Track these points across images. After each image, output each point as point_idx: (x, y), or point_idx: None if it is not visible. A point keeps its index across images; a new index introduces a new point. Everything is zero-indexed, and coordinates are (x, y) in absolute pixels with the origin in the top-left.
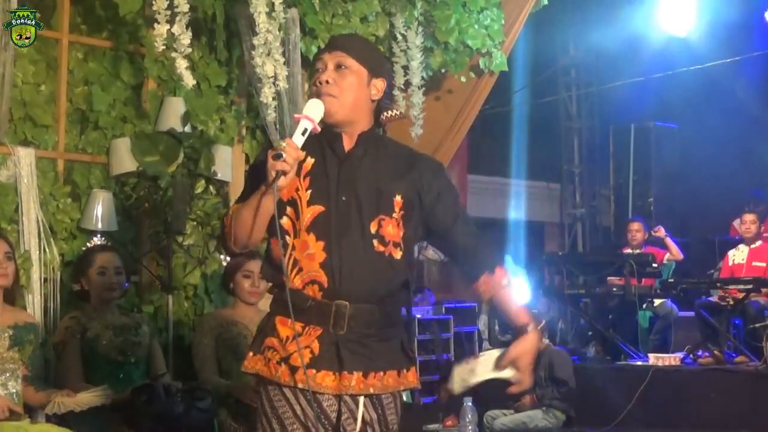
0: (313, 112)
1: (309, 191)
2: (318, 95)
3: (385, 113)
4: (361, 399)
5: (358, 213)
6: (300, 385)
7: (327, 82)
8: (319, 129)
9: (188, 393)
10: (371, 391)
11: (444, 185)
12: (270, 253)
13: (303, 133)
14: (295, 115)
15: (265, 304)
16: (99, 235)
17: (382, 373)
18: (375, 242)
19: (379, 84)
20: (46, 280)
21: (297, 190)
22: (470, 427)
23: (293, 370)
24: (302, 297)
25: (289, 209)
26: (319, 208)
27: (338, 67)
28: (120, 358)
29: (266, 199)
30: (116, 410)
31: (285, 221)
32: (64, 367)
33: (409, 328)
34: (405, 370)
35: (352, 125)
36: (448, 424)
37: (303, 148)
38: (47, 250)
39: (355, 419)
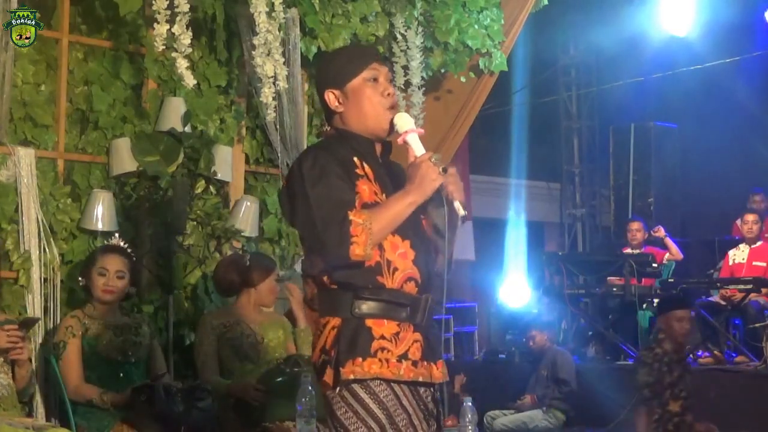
0: (410, 125)
1: (384, 195)
2: (391, 107)
3: None
4: (443, 386)
5: (414, 213)
6: (421, 378)
7: (394, 95)
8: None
9: (188, 393)
10: (445, 378)
11: None
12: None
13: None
14: (408, 129)
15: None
16: (115, 236)
17: (443, 361)
18: (428, 237)
19: None
20: (46, 280)
21: (376, 194)
22: (470, 427)
23: (414, 364)
24: (401, 295)
25: (356, 214)
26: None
27: (390, 81)
28: (120, 358)
29: (412, 208)
30: (116, 410)
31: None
32: (65, 366)
33: None
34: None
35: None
36: (448, 424)
37: (353, 153)
38: (47, 250)
39: (443, 405)
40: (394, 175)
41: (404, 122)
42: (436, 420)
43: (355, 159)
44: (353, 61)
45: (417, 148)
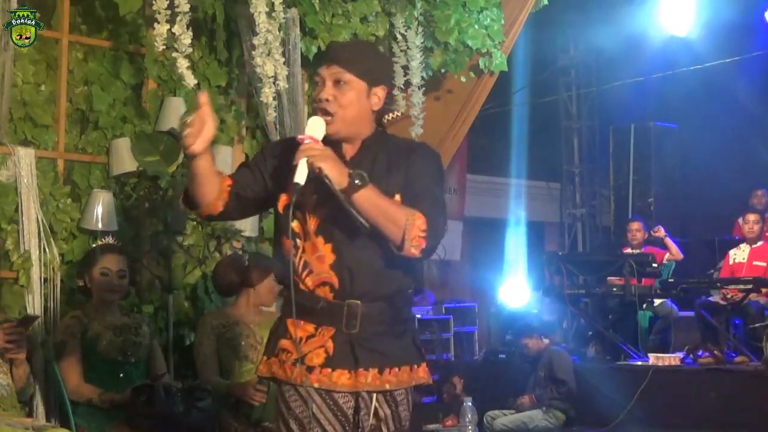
0: (316, 132)
1: (315, 196)
2: (317, 112)
3: (386, 116)
4: (374, 396)
5: (342, 215)
6: (316, 385)
7: (327, 100)
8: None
9: (188, 393)
10: (387, 387)
11: (425, 170)
12: (281, 255)
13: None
14: (300, 136)
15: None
16: (110, 235)
17: (396, 369)
18: (382, 241)
19: (380, 92)
20: (46, 280)
21: (303, 194)
22: (470, 427)
23: (309, 370)
24: (314, 298)
25: (298, 213)
26: (324, 212)
27: (337, 82)
28: (120, 358)
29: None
30: (116, 410)
31: (295, 225)
32: (65, 366)
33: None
34: (416, 366)
35: (354, 137)
36: (448, 424)
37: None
38: (47, 250)
39: (370, 415)
40: (374, 166)
41: (309, 127)
42: (360, 429)
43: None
44: (315, 67)
45: (298, 172)
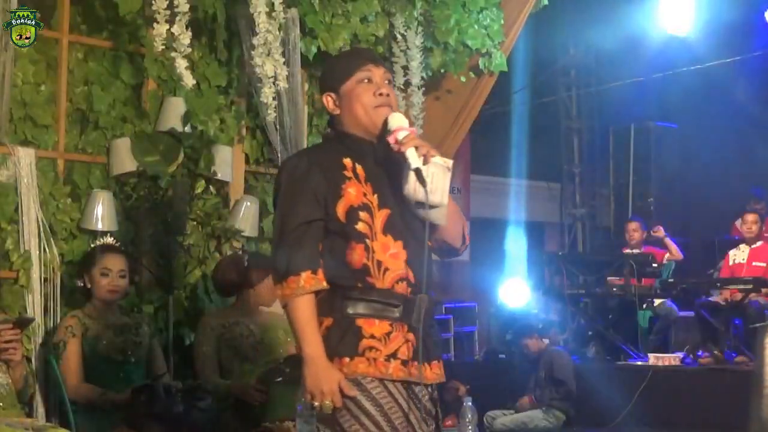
0: (404, 124)
1: (376, 195)
2: (383, 107)
3: None
4: (434, 387)
5: (410, 211)
6: (411, 378)
7: (388, 95)
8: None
9: (188, 393)
10: (440, 379)
11: None
12: (344, 258)
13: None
14: (395, 127)
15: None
16: (109, 235)
17: (440, 362)
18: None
19: None
20: (46, 280)
21: (365, 195)
22: (470, 427)
23: (404, 364)
24: (393, 295)
25: (363, 214)
26: (387, 211)
27: (388, 82)
28: (120, 357)
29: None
30: (116, 410)
31: (362, 226)
32: (65, 366)
33: None
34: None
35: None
36: (448, 424)
37: (346, 154)
38: (47, 250)
39: (437, 406)
40: (394, 173)
41: (395, 121)
42: (435, 420)
43: (347, 160)
44: (347, 64)
45: (412, 161)
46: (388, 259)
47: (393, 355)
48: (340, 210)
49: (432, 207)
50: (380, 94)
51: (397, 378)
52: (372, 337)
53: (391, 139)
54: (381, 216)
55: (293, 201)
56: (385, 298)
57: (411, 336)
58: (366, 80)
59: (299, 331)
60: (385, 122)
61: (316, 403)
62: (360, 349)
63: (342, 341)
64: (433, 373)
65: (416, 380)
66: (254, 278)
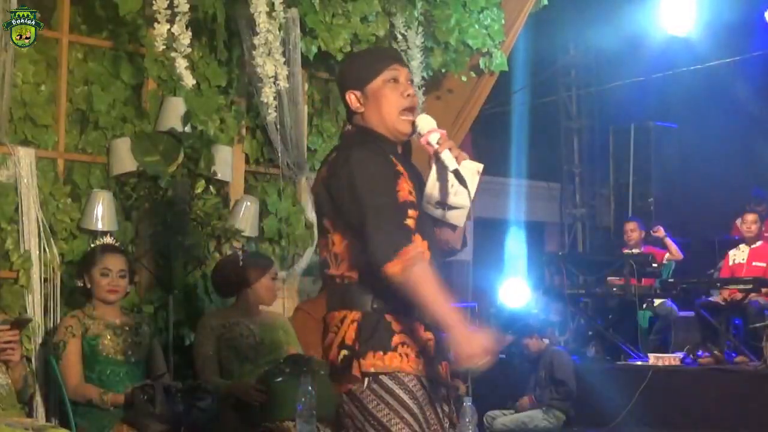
0: (433, 125)
1: (413, 194)
2: (410, 108)
3: None
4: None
5: (428, 216)
6: (435, 376)
7: (414, 96)
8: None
9: (188, 393)
10: (449, 379)
11: None
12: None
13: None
14: (428, 129)
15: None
16: (109, 234)
17: (447, 363)
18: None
19: None
20: (46, 280)
21: (411, 193)
22: (470, 427)
23: (429, 361)
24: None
25: (411, 211)
26: (417, 212)
27: (411, 82)
28: (120, 357)
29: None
30: (117, 410)
31: (410, 222)
32: (65, 366)
33: None
34: None
35: None
36: None
37: (388, 151)
38: (47, 250)
39: (451, 407)
40: (415, 174)
41: (426, 123)
42: (449, 419)
43: (391, 156)
44: (374, 63)
45: (449, 162)
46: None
47: (422, 352)
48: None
49: (454, 208)
50: (408, 95)
51: (426, 375)
52: (402, 332)
53: (422, 141)
54: (416, 215)
55: (377, 184)
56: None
57: (430, 335)
58: (393, 80)
59: (431, 300)
60: (413, 124)
61: (469, 367)
62: (393, 344)
63: (374, 335)
64: (445, 372)
65: (438, 378)
66: (251, 277)
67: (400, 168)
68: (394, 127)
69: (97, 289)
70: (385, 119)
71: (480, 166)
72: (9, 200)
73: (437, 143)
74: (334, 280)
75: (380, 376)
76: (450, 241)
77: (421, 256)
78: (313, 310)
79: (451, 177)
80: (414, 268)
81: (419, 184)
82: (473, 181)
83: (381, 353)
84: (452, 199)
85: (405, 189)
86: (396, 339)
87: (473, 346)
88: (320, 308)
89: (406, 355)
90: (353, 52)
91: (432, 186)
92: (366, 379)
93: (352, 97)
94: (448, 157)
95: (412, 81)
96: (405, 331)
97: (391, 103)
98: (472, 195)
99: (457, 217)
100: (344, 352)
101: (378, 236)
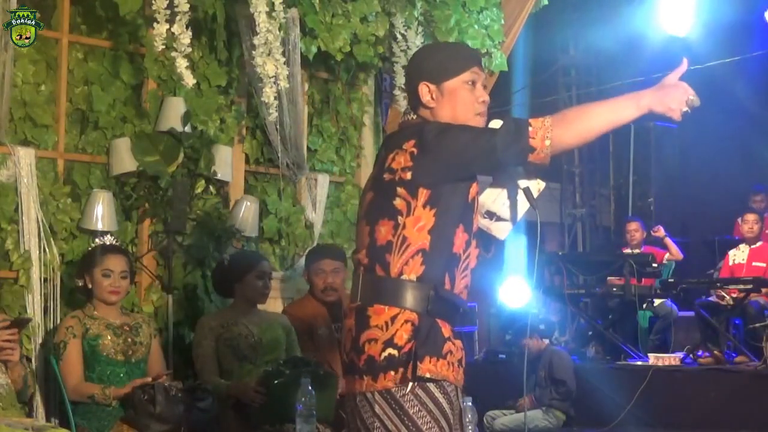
0: None
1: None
2: (483, 114)
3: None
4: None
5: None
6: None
7: (488, 103)
8: None
9: (188, 393)
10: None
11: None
12: (450, 237)
13: None
14: None
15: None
16: (110, 234)
17: None
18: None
19: None
20: (46, 280)
21: (477, 193)
22: (470, 427)
23: (463, 371)
24: (461, 300)
25: (473, 215)
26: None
27: (484, 87)
28: (120, 357)
29: (624, 117)
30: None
31: (474, 217)
32: (65, 366)
33: None
34: None
35: None
36: None
37: None
38: (47, 250)
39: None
40: None
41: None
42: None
43: None
44: (456, 61)
45: (521, 179)
46: (470, 262)
47: (460, 361)
48: (473, 191)
49: (501, 220)
50: (483, 102)
51: (459, 384)
52: (449, 339)
53: None
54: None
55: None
56: (457, 302)
57: (460, 343)
58: (471, 83)
59: (597, 115)
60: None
61: (686, 109)
62: (444, 351)
63: (428, 340)
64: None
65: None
66: (237, 274)
67: None
68: None
69: (99, 289)
70: (457, 119)
71: (542, 185)
72: (9, 200)
73: None
74: (388, 271)
75: (428, 383)
76: (482, 250)
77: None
78: (298, 312)
79: (506, 191)
80: (552, 133)
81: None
82: (529, 198)
83: (435, 359)
84: (502, 211)
85: (475, 185)
86: (446, 346)
87: (670, 100)
88: (305, 309)
89: (452, 363)
90: (436, 43)
91: (487, 194)
92: (411, 383)
93: (425, 90)
94: (519, 172)
95: (485, 87)
96: (451, 338)
97: (467, 107)
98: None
99: (502, 230)
100: (391, 351)
101: (501, 140)
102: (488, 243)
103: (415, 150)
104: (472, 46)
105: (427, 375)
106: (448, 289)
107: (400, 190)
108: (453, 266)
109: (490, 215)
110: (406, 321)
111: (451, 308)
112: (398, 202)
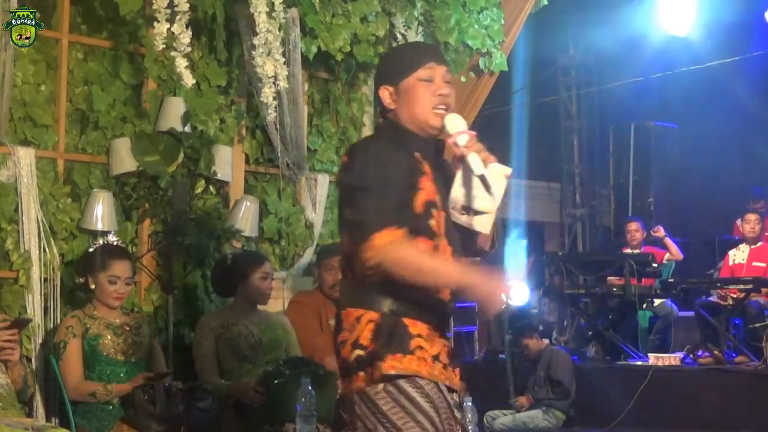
0: (463, 127)
1: (438, 196)
2: (440, 107)
3: None
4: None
5: (453, 222)
6: (448, 383)
7: (448, 95)
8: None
9: (188, 393)
10: (462, 386)
11: None
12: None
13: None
14: (454, 132)
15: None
16: (112, 233)
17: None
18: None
19: None
20: (46, 280)
21: (435, 193)
22: (470, 427)
23: (445, 367)
24: (438, 300)
25: (434, 211)
26: (444, 213)
27: (448, 83)
28: (120, 357)
29: (448, 285)
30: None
31: (433, 223)
32: (65, 366)
33: None
34: None
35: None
36: None
37: (414, 148)
38: (47, 250)
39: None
40: (447, 176)
41: (454, 124)
42: (461, 426)
43: (417, 155)
44: (410, 59)
45: (475, 166)
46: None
47: (436, 357)
48: (419, 203)
49: (479, 213)
50: (440, 95)
51: (441, 380)
52: (419, 336)
53: (450, 142)
54: (442, 218)
55: (387, 177)
56: (430, 302)
57: (444, 341)
58: (427, 78)
59: (427, 271)
60: (444, 124)
61: (499, 308)
62: (411, 347)
63: (392, 338)
64: (458, 379)
65: (451, 385)
66: (241, 274)
67: (425, 167)
68: (426, 122)
69: (103, 294)
70: (416, 117)
71: (508, 170)
72: (9, 200)
73: (465, 146)
74: (355, 276)
75: (398, 380)
76: (480, 244)
77: (403, 238)
78: (307, 299)
79: (476, 181)
80: (398, 248)
81: (449, 187)
82: (500, 185)
83: (400, 355)
84: (477, 204)
85: (428, 188)
86: (414, 342)
87: (487, 290)
88: (313, 299)
89: (424, 359)
90: (396, 46)
91: (457, 190)
92: (382, 382)
93: (386, 93)
94: (474, 160)
95: (450, 81)
96: (422, 335)
97: (423, 103)
98: (499, 200)
99: (483, 224)
100: (358, 351)
101: (374, 214)
102: (468, 240)
103: (341, 170)
104: (473, 46)
105: (393, 372)
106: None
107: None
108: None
109: (467, 210)
110: (369, 321)
111: (422, 307)
112: None
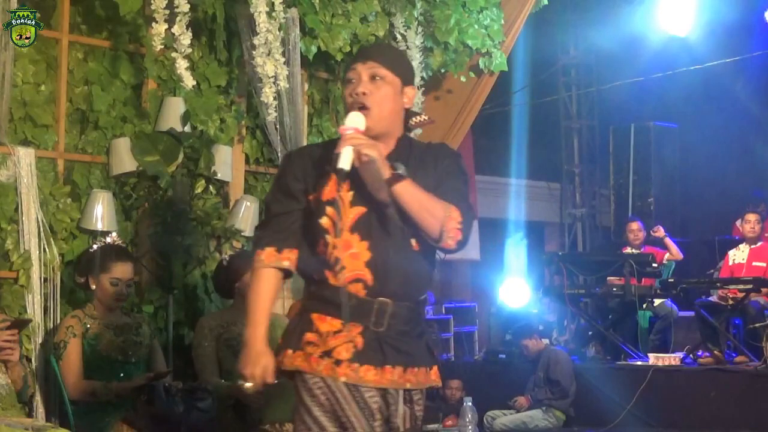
0: (357, 125)
1: (351, 192)
2: (354, 107)
3: (414, 119)
4: (400, 392)
5: (398, 214)
6: (343, 379)
7: (363, 93)
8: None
9: (188, 393)
10: (407, 386)
11: (451, 170)
12: (314, 249)
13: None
14: (341, 127)
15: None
16: (113, 233)
17: (416, 369)
18: (413, 242)
19: (410, 92)
20: (46, 280)
21: (339, 191)
22: (470, 427)
23: (337, 363)
24: (344, 294)
25: (329, 209)
26: (361, 209)
27: (373, 78)
28: (120, 357)
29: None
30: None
31: (325, 221)
32: (65, 366)
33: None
34: (430, 368)
35: (388, 134)
36: (448, 424)
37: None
38: (47, 250)
39: (399, 411)
40: (408, 166)
41: (348, 120)
42: (387, 423)
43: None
44: (346, 67)
45: (341, 160)
46: (347, 257)
47: (327, 353)
48: (312, 202)
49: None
50: (350, 94)
51: (325, 375)
52: (316, 332)
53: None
54: (352, 213)
55: (273, 191)
56: (336, 296)
57: (359, 339)
58: (350, 81)
59: (248, 307)
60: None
61: (242, 383)
62: (302, 343)
63: (293, 332)
64: (386, 378)
65: (352, 382)
66: (237, 273)
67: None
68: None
69: (105, 296)
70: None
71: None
72: (9, 200)
73: (343, 139)
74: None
75: (296, 375)
76: (425, 232)
77: (262, 263)
78: None
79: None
80: (255, 273)
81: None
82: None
83: (290, 351)
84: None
85: (325, 189)
86: (307, 337)
87: (247, 366)
88: None
89: (309, 355)
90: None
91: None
92: (281, 376)
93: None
94: (345, 154)
95: (376, 76)
96: (322, 331)
97: (347, 104)
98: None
99: (390, 214)
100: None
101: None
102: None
103: None
104: (472, 46)
105: (282, 367)
106: (333, 284)
107: None
108: (325, 265)
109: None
110: (296, 314)
111: (328, 302)
112: None
